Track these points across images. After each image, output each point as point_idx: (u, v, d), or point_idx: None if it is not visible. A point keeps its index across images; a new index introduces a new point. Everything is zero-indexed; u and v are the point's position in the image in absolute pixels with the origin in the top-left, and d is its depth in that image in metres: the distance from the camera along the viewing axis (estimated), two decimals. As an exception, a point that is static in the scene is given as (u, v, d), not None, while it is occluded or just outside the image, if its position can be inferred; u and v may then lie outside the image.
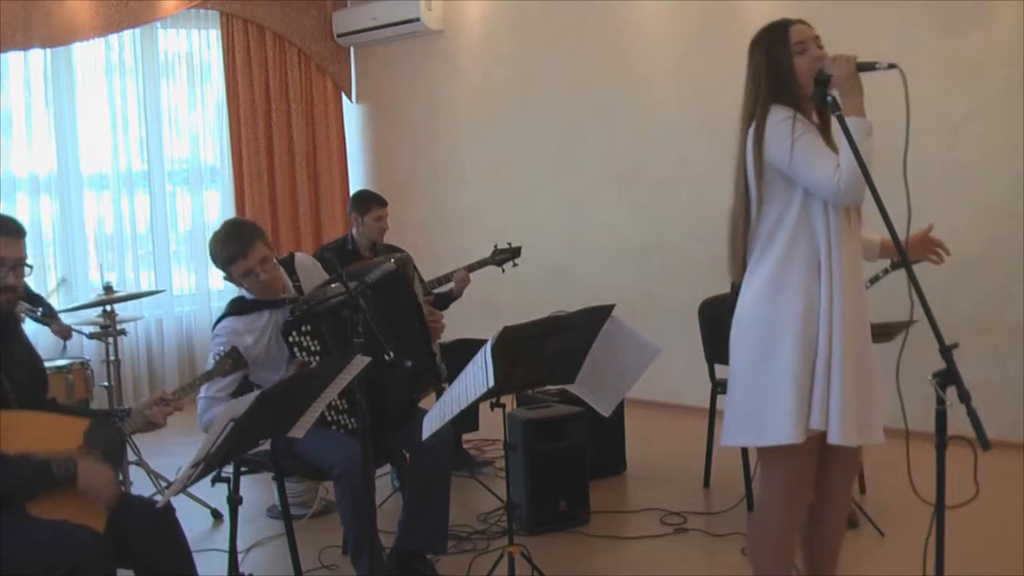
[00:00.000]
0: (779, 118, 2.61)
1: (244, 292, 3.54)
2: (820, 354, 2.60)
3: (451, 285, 5.06)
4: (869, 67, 2.55)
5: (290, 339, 3.40)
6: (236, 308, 3.52)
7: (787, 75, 2.63)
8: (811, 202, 2.62)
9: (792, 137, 2.56)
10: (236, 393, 3.37)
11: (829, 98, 2.56)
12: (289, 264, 3.70)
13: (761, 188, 2.65)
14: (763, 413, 2.66)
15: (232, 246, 3.41)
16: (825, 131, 2.71)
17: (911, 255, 2.64)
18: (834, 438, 2.59)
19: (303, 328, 3.39)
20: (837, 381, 2.58)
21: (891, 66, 2.51)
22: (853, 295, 2.64)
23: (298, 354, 3.41)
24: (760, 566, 2.82)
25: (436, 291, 5.03)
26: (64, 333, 4.94)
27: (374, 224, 5.08)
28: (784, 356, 2.62)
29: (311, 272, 3.73)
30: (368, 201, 5.14)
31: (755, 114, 2.66)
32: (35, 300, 4.95)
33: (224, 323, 3.49)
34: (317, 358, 3.40)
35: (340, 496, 3.38)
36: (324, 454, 3.35)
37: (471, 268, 5.09)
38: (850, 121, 2.51)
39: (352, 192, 5.90)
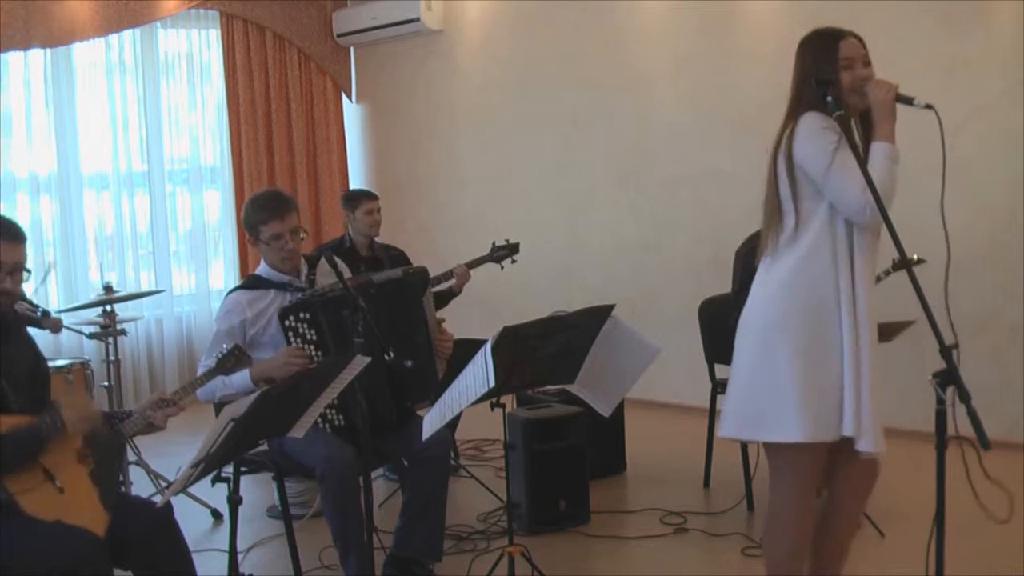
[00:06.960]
0: (820, 125, 2.58)
1: (260, 270, 3.65)
2: (847, 361, 2.57)
3: (452, 282, 5.03)
4: (907, 101, 2.57)
5: (286, 323, 3.43)
6: (247, 283, 3.68)
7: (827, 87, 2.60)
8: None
9: (832, 148, 2.55)
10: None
11: (829, 98, 2.54)
12: (313, 261, 3.76)
13: (793, 187, 2.63)
14: (766, 410, 2.64)
15: (271, 207, 3.57)
16: (864, 133, 2.69)
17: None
18: (864, 446, 2.56)
19: (301, 315, 3.41)
20: (867, 390, 2.56)
21: (928, 106, 2.52)
22: (872, 302, 2.61)
23: (292, 340, 3.42)
24: (776, 567, 2.80)
25: (436, 288, 5.00)
26: (54, 325, 4.89)
27: (365, 218, 5.06)
28: (792, 355, 2.60)
29: (329, 274, 3.73)
30: (357, 196, 5.13)
31: (796, 113, 2.64)
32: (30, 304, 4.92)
33: (233, 294, 3.63)
34: (312, 347, 3.42)
35: (323, 497, 3.39)
36: (309, 454, 3.34)
37: (471, 265, 5.07)
38: (880, 146, 2.54)
39: (346, 192, 5.88)
